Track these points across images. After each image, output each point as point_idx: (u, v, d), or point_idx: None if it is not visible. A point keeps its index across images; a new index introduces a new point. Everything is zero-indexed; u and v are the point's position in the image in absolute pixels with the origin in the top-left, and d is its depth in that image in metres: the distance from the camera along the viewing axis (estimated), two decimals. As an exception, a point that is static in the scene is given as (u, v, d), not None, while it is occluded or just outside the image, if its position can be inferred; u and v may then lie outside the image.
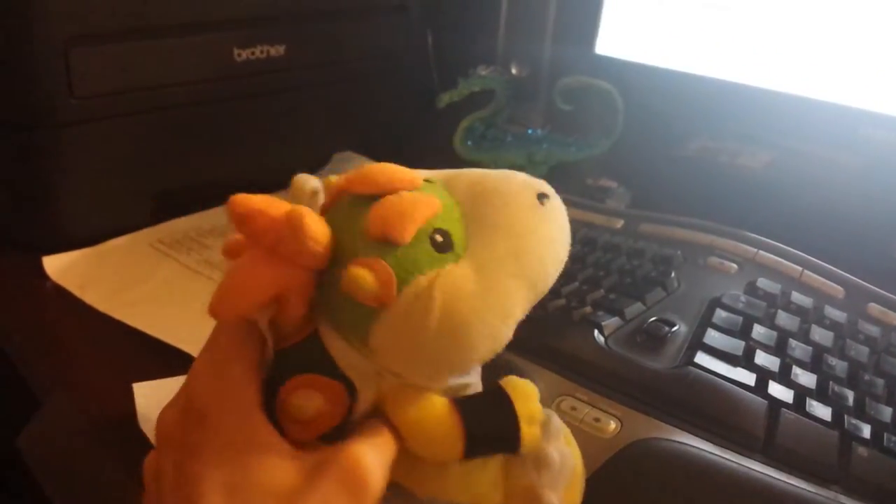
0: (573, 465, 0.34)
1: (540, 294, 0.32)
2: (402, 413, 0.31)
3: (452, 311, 0.30)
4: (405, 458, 0.32)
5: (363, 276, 0.29)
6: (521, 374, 0.34)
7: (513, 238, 0.31)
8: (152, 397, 0.46)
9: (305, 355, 0.32)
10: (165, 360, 0.50)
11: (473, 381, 0.34)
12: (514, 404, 0.32)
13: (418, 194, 0.32)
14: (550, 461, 0.33)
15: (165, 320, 0.54)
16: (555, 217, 0.33)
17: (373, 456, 0.30)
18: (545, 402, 0.42)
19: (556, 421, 0.34)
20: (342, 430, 0.32)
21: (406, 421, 0.31)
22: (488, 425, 0.32)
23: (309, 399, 0.31)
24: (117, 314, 0.56)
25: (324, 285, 0.32)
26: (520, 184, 0.34)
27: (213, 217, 0.69)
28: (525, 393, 0.32)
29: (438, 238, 0.31)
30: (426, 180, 0.34)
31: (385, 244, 0.30)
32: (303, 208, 0.30)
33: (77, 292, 0.58)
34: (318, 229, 0.30)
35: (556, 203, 0.34)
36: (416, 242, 0.30)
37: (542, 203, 0.33)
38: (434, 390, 0.32)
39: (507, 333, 0.31)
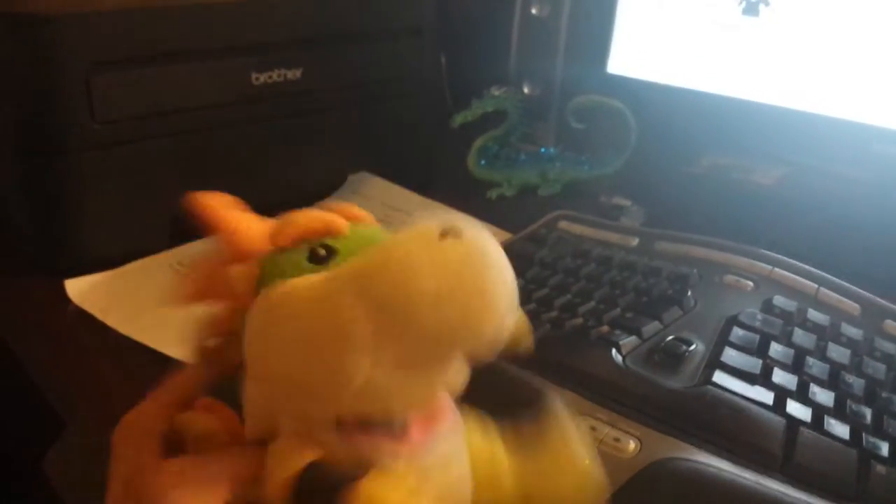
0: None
1: (412, 333, 0.26)
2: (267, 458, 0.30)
3: (285, 317, 0.28)
4: None
5: (235, 273, 0.30)
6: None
7: (377, 254, 0.27)
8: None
9: (226, 386, 0.32)
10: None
11: (401, 462, 0.29)
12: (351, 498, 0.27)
13: (321, 212, 0.31)
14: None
15: (186, 341, 0.55)
16: (446, 252, 0.26)
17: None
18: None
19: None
20: None
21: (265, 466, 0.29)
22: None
23: (197, 417, 0.32)
24: (139, 336, 0.57)
25: None
26: (430, 222, 0.28)
27: (231, 239, 0.70)
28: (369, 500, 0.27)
29: (320, 251, 0.29)
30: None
31: (273, 249, 0.30)
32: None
33: (99, 315, 0.59)
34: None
35: (462, 241, 0.27)
36: (294, 250, 0.30)
37: (440, 235, 0.27)
38: (323, 445, 0.28)
39: (344, 361, 0.26)
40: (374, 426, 0.28)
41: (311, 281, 0.28)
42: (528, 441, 0.33)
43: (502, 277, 0.27)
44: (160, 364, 0.54)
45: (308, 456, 0.28)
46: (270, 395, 0.29)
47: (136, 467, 0.31)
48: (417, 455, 0.29)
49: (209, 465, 0.30)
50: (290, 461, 0.28)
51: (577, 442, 0.33)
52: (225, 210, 0.32)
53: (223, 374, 0.32)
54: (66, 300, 0.61)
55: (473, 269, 0.27)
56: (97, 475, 0.48)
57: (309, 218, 0.30)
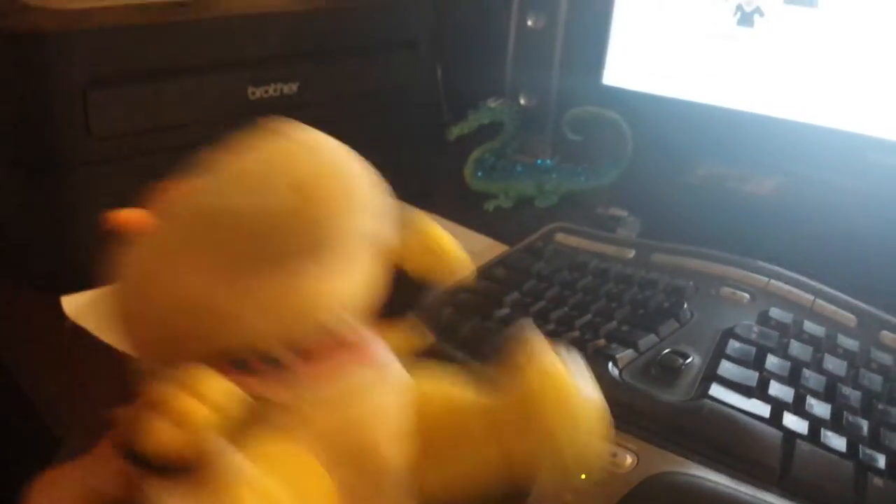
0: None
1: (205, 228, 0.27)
2: None
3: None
4: None
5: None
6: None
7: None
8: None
9: None
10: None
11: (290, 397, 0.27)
12: None
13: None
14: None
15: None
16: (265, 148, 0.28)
17: None
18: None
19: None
20: None
21: None
22: None
23: None
24: (134, 353, 0.56)
25: None
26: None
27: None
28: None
29: None
30: None
31: None
32: None
33: (95, 331, 0.59)
34: None
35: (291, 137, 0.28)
36: None
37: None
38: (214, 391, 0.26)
39: (176, 282, 0.27)
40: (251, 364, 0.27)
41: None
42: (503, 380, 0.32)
43: (331, 171, 0.27)
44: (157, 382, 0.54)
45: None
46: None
47: None
48: (301, 390, 0.27)
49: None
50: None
51: (550, 360, 0.32)
52: None
53: None
54: (63, 316, 0.61)
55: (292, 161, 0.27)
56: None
57: None
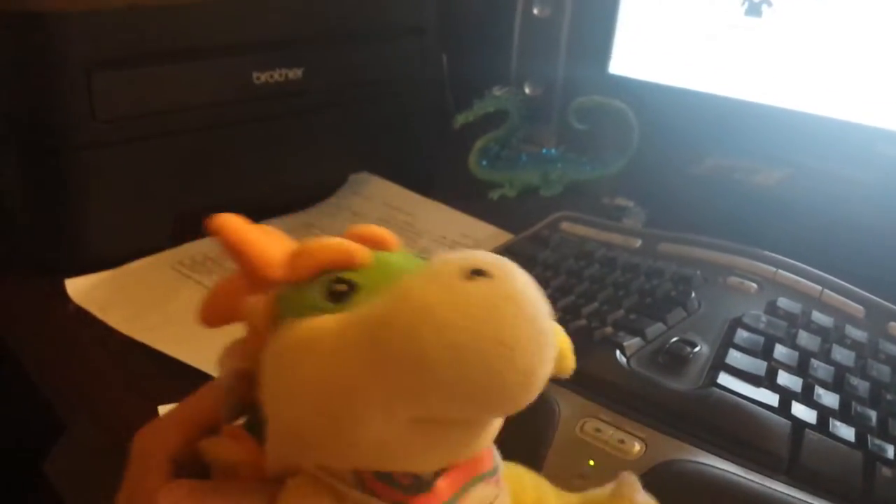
0: None
1: (416, 385, 0.24)
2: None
3: (289, 364, 0.26)
4: None
5: (251, 307, 0.28)
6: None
7: (399, 302, 0.24)
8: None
9: (254, 412, 0.30)
10: (188, 381, 0.50)
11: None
12: None
13: (338, 240, 0.28)
14: None
15: (187, 342, 0.55)
16: (474, 298, 0.24)
17: None
18: (569, 425, 0.43)
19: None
20: None
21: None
22: None
23: (217, 443, 0.29)
24: (139, 336, 0.56)
25: None
26: (456, 255, 0.26)
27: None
28: None
29: (339, 288, 0.26)
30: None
31: (288, 282, 0.28)
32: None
33: (99, 314, 0.59)
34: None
35: (493, 284, 0.24)
36: (311, 285, 0.27)
37: (467, 278, 0.24)
38: (344, 499, 0.27)
39: (349, 418, 0.24)
40: (397, 478, 0.27)
41: (326, 325, 0.25)
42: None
43: (534, 326, 0.24)
44: (161, 364, 0.54)
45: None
46: (286, 435, 0.27)
47: (140, 487, 0.30)
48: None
49: (215, 495, 0.29)
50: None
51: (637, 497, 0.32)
52: (245, 232, 0.31)
53: (247, 400, 0.30)
54: (67, 299, 0.60)
55: (498, 316, 0.23)
56: (97, 475, 0.48)
57: (328, 249, 0.28)
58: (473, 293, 0.24)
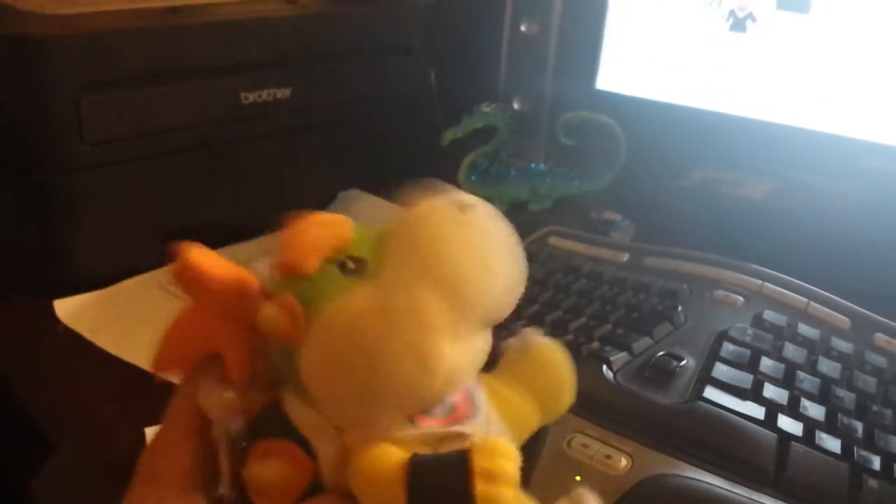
0: None
1: (469, 301, 0.28)
2: (351, 466, 0.29)
3: (358, 335, 0.27)
4: None
5: (271, 313, 0.28)
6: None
7: (422, 248, 0.28)
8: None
9: (266, 423, 0.30)
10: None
11: (470, 430, 0.30)
12: (472, 460, 0.28)
13: (324, 218, 0.31)
14: None
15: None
16: (474, 223, 0.29)
17: None
18: (556, 440, 0.43)
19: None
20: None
21: (352, 474, 0.28)
22: (435, 482, 0.28)
23: (267, 466, 0.29)
24: (128, 356, 0.56)
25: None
26: (439, 201, 0.30)
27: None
28: (492, 449, 0.28)
29: (350, 265, 0.29)
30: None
31: (293, 277, 0.29)
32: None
33: (88, 335, 0.59)
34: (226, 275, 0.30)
35: (480, 211, 0.30)
36: (322, 271, 0.29)
37: (461, 211, 0.29)
38: (402, 441, 0.29)
39: (434, 350, 0.27)
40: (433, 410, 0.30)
41: (365, 292, 0.28)
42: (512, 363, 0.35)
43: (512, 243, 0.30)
44: (150, 385, 0.53)
45: (394, 452, 0.28)
46: (339, 412, 0.29)
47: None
48: (473, 423, 0.30)
49: None
50: (379, 463, 0.28)
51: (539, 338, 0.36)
52: (209, 258, 0.31)
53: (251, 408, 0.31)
54: (56, 320, 0.60)
55: (497, 232, 0.30)
56: (86, 496, 0.48)
57: (319, 238, 0.29)
58: (472, 221, 0.29)
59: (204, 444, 0.31)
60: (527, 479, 0.41)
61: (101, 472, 0.47)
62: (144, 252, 0.66)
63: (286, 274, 0.29)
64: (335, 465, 0.29)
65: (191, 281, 0.31)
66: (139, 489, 0.31)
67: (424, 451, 0.29)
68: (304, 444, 0.29)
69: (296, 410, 0.30)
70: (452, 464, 0.28)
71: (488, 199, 0.85)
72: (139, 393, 0.54)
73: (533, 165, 0.86)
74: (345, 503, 0.29)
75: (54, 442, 0.52)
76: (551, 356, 0.36)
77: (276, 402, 0.30)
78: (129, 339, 0.58)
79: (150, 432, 0.48)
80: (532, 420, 0.36)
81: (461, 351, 0.28)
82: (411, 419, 0.29)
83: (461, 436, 0.30)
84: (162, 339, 0.31)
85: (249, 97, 0.68)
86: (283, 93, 0.70)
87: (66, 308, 0.62)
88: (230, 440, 0.30)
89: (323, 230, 0.30)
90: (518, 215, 0.83)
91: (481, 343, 0.30)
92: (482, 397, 0.32)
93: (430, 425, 0.29)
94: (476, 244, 0.29)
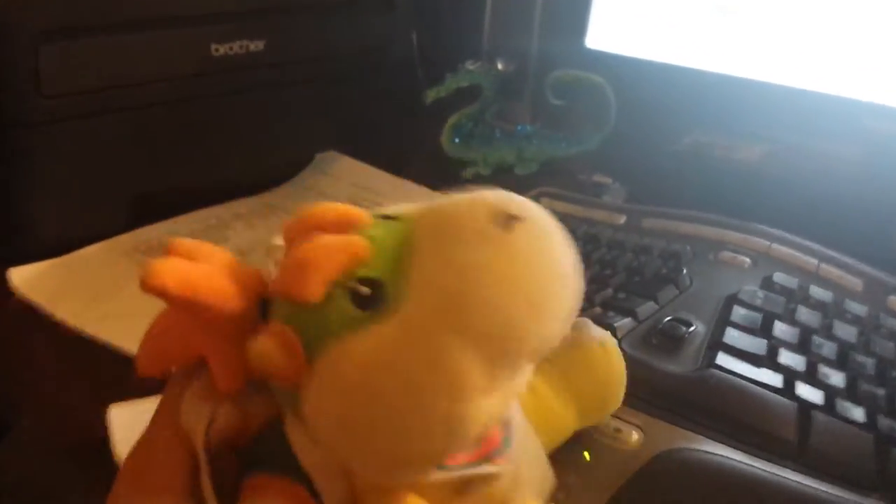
0: None
1: (510, 348, 0.23)
2: None
3: (373, 391, 0.23)
4: None
5: (264, 347, 0.24)
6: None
7: (450, 282, 0.23)
8: (127, 420, 0.43)
9: (266, 449, 0.26)
10: (143, 378, 0.46)
11: (500, 469, 0.27)
12: None
13: (333, 238, 0.25)
14: None
15: (142, 335, 0.51)
16: (520, 246, 0.24)
17: None
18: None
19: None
20: None
21: None
22: None
23: None
24: (90, 329, 0.52)
25: None
26: (473, 203, 0.25)
27: (192, 222, 0.65)
28: None
29: (363, 290, 0.24)
30: (386, 216, 0.26)
31: (295, 304, 0.24)
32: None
33: (46, 306, 0.55)
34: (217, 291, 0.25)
35: (528, 227, 0.24)
36: (330, 299, 0.24)
37: (504, 227, 0.24)
38: (425, 487, 0.25)
39: (467, 414, 0.23)
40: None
41: (380, 335, 0.23)
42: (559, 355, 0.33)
43: (568, 264, 0.25)
44: (114, 361, 0.50)
45: (413, 500, 0.25)
46: (350, 463, 0.25)
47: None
48: (505, 453, 0.27)
49: None
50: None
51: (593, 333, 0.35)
52: (191, 278, 0.25)
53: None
54: (10, 291, 0.56)
55: (547, 254, 0.24)
56: (43, 478, 0.44)
57: (333, 258, 0.24)
58: (516, 239, 0.24)
59: (191, 452, 0.27)
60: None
61: (60, 452, 0.43)
62: (109, 215, 0.63)
63: (286, 300, 0.25)
64: None
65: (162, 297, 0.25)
66: (126, 495, 0.27)
67: (451, 496, 0.26)
68: (306, 480, 0.25)
69: (299, 441, 0.25)
70: None
71: (472, 162, 0.82)
72: (101, 368, 0.50)
73: (519, 127, 0.83)
74: None
75: (11, 422, 0.48)
76: (604, 359, 0.34)
77: (278, 422, 0.26)
78: (92, 311, 0.54)
79: (114, 411, 0.44)
80: (568, 428, 0.34)
81: (499, 397, 0.24)
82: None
83: (490, 477, 0.26)
84: (144, 336, 0.27)
85: (220, 49, 0.63)
86: (257, 45, 0.65)
87: (23, 277, 0.57)
88: (209, 458, 0.26)
89: (333, 250, 0.24)
90: (504, 179, 0.80)
91: (524, 376, 0.26)
92: (517, 410, 0.29)
93: (457, 463, 0.26)
94: (520, 276, 0.23)
